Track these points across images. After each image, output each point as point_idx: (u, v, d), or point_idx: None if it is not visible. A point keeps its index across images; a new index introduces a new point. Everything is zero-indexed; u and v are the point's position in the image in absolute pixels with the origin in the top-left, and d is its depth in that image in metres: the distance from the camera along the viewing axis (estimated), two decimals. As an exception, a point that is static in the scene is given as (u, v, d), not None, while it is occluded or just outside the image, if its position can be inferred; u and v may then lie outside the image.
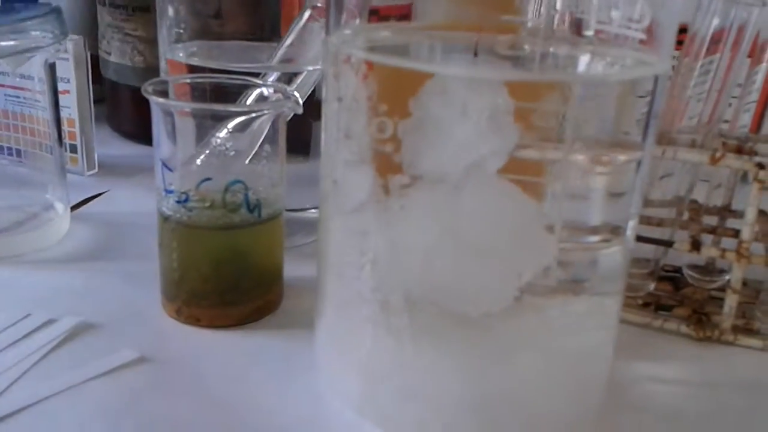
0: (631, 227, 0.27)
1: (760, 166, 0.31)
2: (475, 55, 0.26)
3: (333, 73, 0.26)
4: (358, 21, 0.28)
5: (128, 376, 0.30)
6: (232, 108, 0.33)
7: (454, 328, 0.25)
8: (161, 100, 0.31)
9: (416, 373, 0.25)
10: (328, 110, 0.27)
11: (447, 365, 0.25)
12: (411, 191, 0.24)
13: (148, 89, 0.31)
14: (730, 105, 0.37)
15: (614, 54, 0.26)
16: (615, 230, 0.26)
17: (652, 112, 0.25)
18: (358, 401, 0.27)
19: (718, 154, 0.31)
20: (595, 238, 0.26)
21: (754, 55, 0.37)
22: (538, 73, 0.27)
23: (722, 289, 0.36)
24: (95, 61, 0.55)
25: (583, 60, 0.27)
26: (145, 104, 0.32)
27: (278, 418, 0.28)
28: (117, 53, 0.56)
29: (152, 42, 0.49)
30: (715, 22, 0.34)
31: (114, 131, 0.59)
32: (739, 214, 0.36)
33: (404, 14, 0.35)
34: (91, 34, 0.59)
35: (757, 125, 0.40)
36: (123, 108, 0.58)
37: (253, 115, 0.32)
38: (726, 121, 0.38)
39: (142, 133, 0.33)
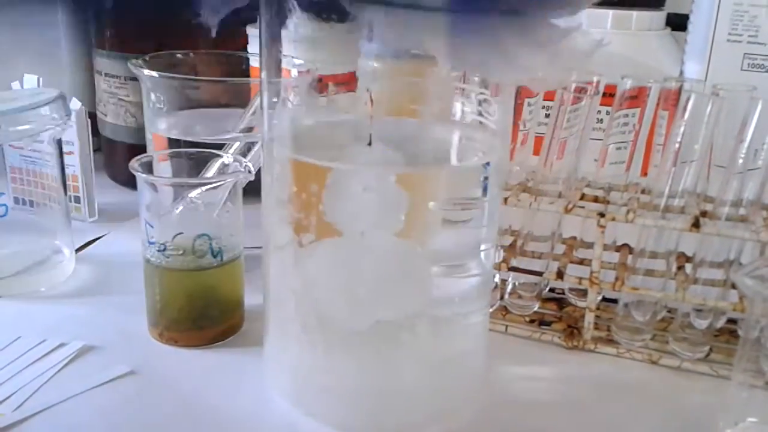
0: (486, 259, 0.36)
1: (601, 215, 0.40)
2: (369, 144, 0.35)
3: (266, 154, 0.36)
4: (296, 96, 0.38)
5: (122, 386, 0.39)
6: (198, 181, 0.42)
7: (354, 341, 0.34)
8: (145, 175, 0.40)
9: (328, 374, 0.35)
10: (265, 180, 0.36)
11: (350, 368, 0.35)
12: (318, 245, 0.33)
13: (135, 166, 0.41)
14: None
15: (476, 137, 0.36)
16: (474, 264, 0.36)
17: (489, 179, 0.35)
18: (291, 396, 0.37)
19: (569, 206, 0.41)
20: (459, 271, 0.36)
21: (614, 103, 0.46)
22: (414, 166, 0.35)
23: (598, 307, 0.45)
24: (93, 118, 0.65)
25: (454, 142, 0.37)
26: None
27: (235, 412, 0.37)
28: (112, 115, 0.65)
29: (142, 106, 0.58)
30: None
31: (110, 179, 0.68)
32: (608, 247, 0.45)
33: (347, 81, 0.45)
34: (90, 95, 0.69)
35: (628, 167, 0.49)
36: (118, 160, 0.67)
37: (216, 184, 0.42)
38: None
39: (133, 181, 0.41)
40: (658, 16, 0.59)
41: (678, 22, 0.61)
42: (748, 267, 0.32)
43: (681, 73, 0.58)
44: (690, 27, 0.57)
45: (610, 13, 0.58)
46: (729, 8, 0.54)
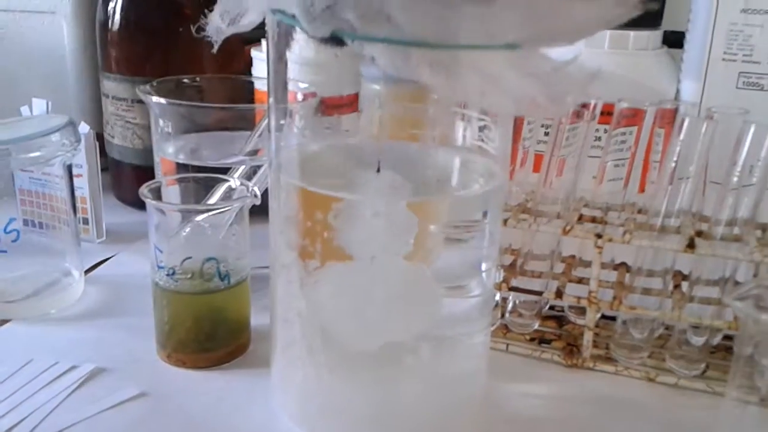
0: (488, 279, 0.37)
1: (598, 236, 0.41)
2: (378, 171, 0.36)
3: (273, 179, 0.37)
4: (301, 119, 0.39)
5: (132, 407, 0.40)
6: (205, 207, 0.44)
7: (358, 363, 0.35)
8: (154, 202, 0.42)
9: (332, 395, 0.36)
10: (272, 205, 0.37)
11: (353, 389, 0.35)
12: (327, 269, 0.34)
13: (144, 192, 0.42)
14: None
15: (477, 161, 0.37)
16: (475, 284, 0.37)
17: (489, 204, 0.36)
18: (296, 416, 0.38)
19: (567, 227, 0.42)
20: (462, 291, 0.37)
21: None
22: (424, 195, 0.36)
23: (597, 325, 0.46)
24: (101, 139, 0.66)
25: (456, 167, 0.38)
26: (143, 178, 0.43)
27: (244, 430, 0.38)
28: (119, 137, 0.67)
29: (149, 128, 0.59)
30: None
31: (117, 199, 0.70)
32: (606, 266, 0.46)
33: (350, 102, 0.46)
34: (97, 117, 0.70)
35: (626, 184, 0.50)
36: (125, 181, 0.68)
37: (222, 210, 0.43)
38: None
39: (140, 202, 0.41)
40: (654, 36, 0.60)
41: (675, 40, 0.62)
42: (741, 288, 0.33)
43: (677, 91, 0.59)
44: (686, 46, 0.59)
45: (607, 33, 0.59)
46: (724, 27, 0.55)
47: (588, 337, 0.43)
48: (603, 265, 0.46)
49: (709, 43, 0.56)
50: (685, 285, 0.44)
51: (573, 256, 0.48)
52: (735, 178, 0.41)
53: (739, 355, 0.34)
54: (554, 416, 0.40)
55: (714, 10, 0.55)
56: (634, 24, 0.59)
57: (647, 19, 0.61)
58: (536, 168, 0.49)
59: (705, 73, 0.57)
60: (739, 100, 0.55)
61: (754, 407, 0.35)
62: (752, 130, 0.40)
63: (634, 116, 0.48)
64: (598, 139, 0.52)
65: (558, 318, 0.48)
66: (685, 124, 0.42)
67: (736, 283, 0.42)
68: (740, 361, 0.34)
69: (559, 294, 0.44)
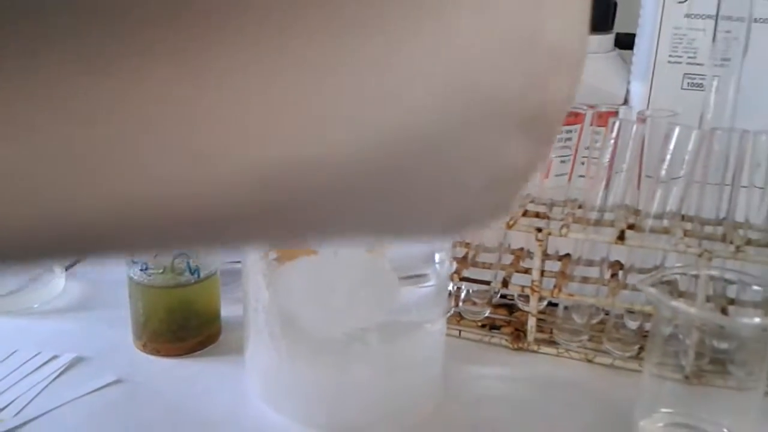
0: (441, 270, 0.41)
1: (539, 230, 0.45)
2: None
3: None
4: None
5: (109, 393, 0.43)
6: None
7: (316, 348, 0.39)
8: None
9: (292, 376, 0.39)
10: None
11: (314, 371, 0.39)
12: (287, 265, 0.38)
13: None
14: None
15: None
16: (431, 274, 0.40)
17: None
18: (263, 395, 0.41)
19: (511, 222, 0.45)
20: (418, 281, 0.40)
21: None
22: None
23: (542, 312, 0.50)
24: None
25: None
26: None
27: (215, 412, 0.41)
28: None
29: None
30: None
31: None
32: (552, 257, 0.50)
33: None
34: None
35: (569, 179, 0.53)
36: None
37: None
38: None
39: None
40: (605, 39, 0.64)
41: (628, 42, 0.65)
42: (655, 274, 0.37)
43: (627, 92, 0.63)
44: (635, 49, 0.62)
45: (560, 37, 0.62)
46: (669, 32, 0.59)
47: (532, 322, 0.47)
48: (549, 256, 0.50)
49: (656, 47, 0.60)
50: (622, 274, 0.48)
51: (522, 249, 0.52)
52: (663, 173, 0.45)
53: (655, 333, 0.38)
54: (501, 395, 0.44)
55: (659, 15, 0.59)
56: (586, 28, 0.63)
57: (598, 23, 0.64)
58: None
59: (652, 75, 0.61)
60: (685, 100, 0.59)
61: (670, 383, 0.39)
62: (677, 130, 0.44)
63: (576, 116, 0.52)
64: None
65: (508, 306, 0.52)
66: (617, 126, 0.45)
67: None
68: (656, 340, 0.38)
69: (505, 283, 0.47)
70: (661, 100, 0.61)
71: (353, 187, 0.13)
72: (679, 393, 0.40)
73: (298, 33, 0.11)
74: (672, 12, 0.59)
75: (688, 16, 0.59)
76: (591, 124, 0.48)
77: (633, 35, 0.63)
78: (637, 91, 0.62)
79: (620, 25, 0.68)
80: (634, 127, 0.45)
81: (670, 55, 0.60)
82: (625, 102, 0.62)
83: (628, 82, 0.63)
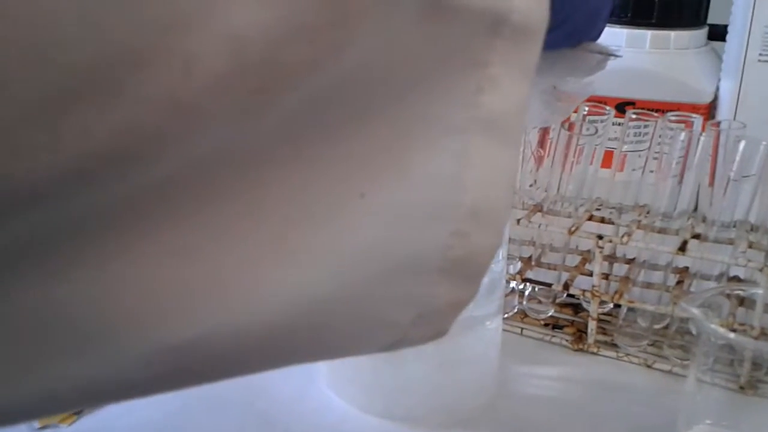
0: (494, 266, 0.42)
1: (600, 237, 0.46)
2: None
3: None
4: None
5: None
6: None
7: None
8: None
9: (354, 366, 0.43)
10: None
11: (371, 363, 0.42)
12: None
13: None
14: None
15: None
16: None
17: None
18: (328, 382, 0.45)
19: (573, 228, 0.47)
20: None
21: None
22: None
23: (608, 314, 0.51)
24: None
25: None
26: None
27: (286, 391, 0.45)
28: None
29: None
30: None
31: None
32: (619, 260, 0.51)
33: None
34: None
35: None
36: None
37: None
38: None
39: None
40: (697, 35, 0.62)
41: (723, 34, 0.63)
42: (703, 292, 0.37)
43: (717, 89, 0.62)
44: (726, 45, 0.61)
45: (648, 34, 0.61)
46: (760, 29, 0.57)
47: (591, 326, 0.48)
48: (617, 259, 0.51)
49: (746, 45, 0.58)
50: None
51: (589, 251, 0.53)
52: (732, 181, 0.45)
53: (700, 348, 0.38)
54: (558, 396, 0.45)
55: (751, 11, 0.57)
56: (676, 24, 0.62)
57: (689, 18, 0.63)
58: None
59: (741, 75, 0.59)
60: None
61: (717, 389, 0.39)
62: (742, 144, 0.44)
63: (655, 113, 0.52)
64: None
65: (574, 306, 0.53)
66: (686, 136, 0.45)
67: (731, 279, 0.46)
68: (700, 354, 0.39)
69: (566, 286, 0.48)
70: (750, 101, 0.59)
71: (294, 331, 0.17)
72: (730, 403, 0.40)
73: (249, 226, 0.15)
74: (764, 8, 0.57)
75: (782, 12, 0.57)
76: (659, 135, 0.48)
77: (727, 27, 0.62)
78: (727, 89, 0.60)
79: (716, 16, 0.65)
80: (702, 138, 0.45)
81: (760, 54, 0.58)
82: (714, 99, 0.61)
83: (719, 80, 0.62)
